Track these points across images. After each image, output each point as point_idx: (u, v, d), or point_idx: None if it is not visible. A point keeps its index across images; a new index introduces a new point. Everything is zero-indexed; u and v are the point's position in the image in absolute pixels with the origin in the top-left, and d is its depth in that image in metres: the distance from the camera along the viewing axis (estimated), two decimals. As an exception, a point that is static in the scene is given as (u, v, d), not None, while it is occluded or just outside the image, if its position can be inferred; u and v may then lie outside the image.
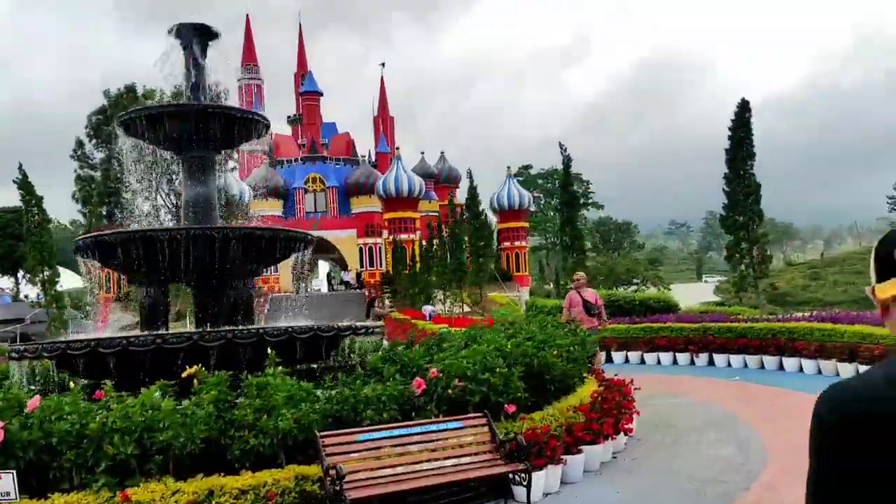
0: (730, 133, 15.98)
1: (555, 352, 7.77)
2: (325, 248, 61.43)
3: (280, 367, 6.89)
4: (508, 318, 15.77)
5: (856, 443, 1.22)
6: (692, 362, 15.72)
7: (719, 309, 22.46)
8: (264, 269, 10.54)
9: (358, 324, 9.57)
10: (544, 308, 29.66)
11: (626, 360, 16.93)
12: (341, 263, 63.08)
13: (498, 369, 6.83)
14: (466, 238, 27.26)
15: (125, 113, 9.39)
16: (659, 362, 16.28)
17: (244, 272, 9.58)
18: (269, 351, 8.30)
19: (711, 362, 15.44)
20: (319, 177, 61.14)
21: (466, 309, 37.97)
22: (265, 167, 61.05)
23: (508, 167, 64.22)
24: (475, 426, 6.31)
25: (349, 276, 56.41)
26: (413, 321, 31.13)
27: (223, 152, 10.46)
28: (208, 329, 8.46)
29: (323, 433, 5.74)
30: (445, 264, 27.43)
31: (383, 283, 53.84)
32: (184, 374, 6.92)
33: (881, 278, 1.36)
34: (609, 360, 17.22)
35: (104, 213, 49.98)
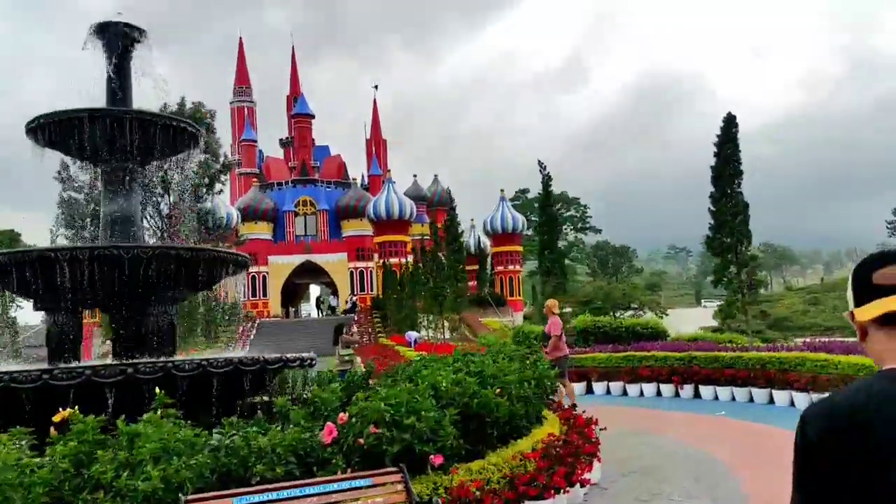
0: (715, 150, 15.07)
1: (497, 390, 6.71)
2: (315, 272, 60.48)
3: (171, 410, 5.85)
4: (482, 346, 14.73)
5: (836, 456, 1.25)
6: (677, 394, 14.62)
7: (711, 336, 21.38)
8: (191, 294, 9.50)
9: (290, 355, 8.53)
10: (531, 334, 28.58)
11: (608, 392, 15.84)
12: (333, 288, 62.04)
13: (424, 412, 5.78)
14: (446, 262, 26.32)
15: (32, 119, 8.43)
16: (642, 394, 15.17)
17: (165, 297, 8.55)
18: (178, 388, 7.33)
19: (697, 394, 14.34)
20: (310, 199, 60.35)
21: (451, 335, 36.87)
22: (255, 190, 60.32)
23: (502, 190, 63.49)
24: (388, 483, 5.25)
25: (336, 301, 55.40)
26: (396, 348, 30.08)
27: (148, 165, 9.50)
28: (104, 363, 7.44)
29: (191, 496, 4.68)
30: (426, 289, 26.44)
31: (373, 307, 52.73)
32: (55, 419, 5.88)
33: (859, 302, 1.40)
34: (590, 390, 16.16)
35: (86, 235, 48.89)
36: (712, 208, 15.11)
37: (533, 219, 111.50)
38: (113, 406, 6.94)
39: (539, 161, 19.17)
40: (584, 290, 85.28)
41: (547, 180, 19.28)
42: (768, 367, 13.28)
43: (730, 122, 14.97)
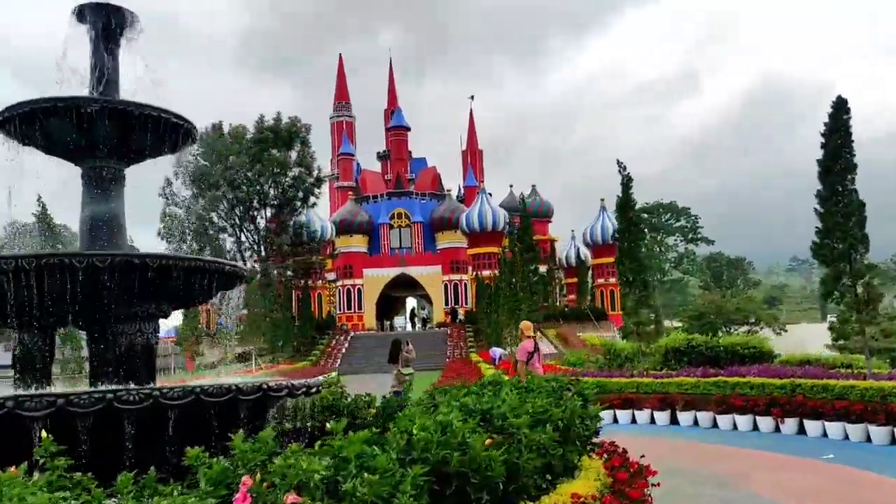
0: (823, 141, 12.81)
1: (487, 439, 5.08)
2: (411, 285, 59.87)
3: (61, 460, 4.59)
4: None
5: None
6: (777, 429, 12.35)
7: (825, 358, 18.68)
8: (173, 310, 8.34)
9: (272, 382, 7.19)
10: (622, 352, 26.37)
11: (696, 423, 13.70)
12: (428, 300, 61.26)
13: (367, 475, 4.26)
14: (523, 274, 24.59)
15: (1, 111, 7.53)
16: (735, 427, 12.98)
17: (134, 313, 7.43)
18: (124, 424, 6.17)
19: (802, 430, 12.04)
20: (405, 212, 59.85)
21: (547, 350, 34.91)
22: (350, 203, 60.44)
23: (602, 199, 60.95)
24: (298, 578, 3.76)
25: (428, 313, 54.51)
26: (480, 364, 28.59)
27: (133, 163, 8.45)
28: (28, 392, 6.33)
29: None
30: (507, 301, 24.80)
31: (466, 321, 51.42)
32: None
33: None
34: (675, 421, 14.09)
35: (184, 248, 50.04)
36: (819, 209, 12.84)
37: (643, 230, 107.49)
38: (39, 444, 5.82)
39: (618, 161, 17.33)
40: (695, 303, 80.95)
41: (627, 181, 17.34)
42: (890, 400, 10.89)
43: (839, 108, 12.70)
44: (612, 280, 59.73)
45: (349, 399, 11.36)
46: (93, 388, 6.48)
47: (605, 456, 7.67)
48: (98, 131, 7.61)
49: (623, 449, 7.98)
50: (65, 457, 4.58)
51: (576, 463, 6.72)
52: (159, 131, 8.04)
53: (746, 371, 14.16)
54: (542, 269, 61.69)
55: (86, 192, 8.05)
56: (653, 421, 14.27)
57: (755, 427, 12.71)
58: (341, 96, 74.73)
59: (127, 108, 7.58)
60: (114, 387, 6.51)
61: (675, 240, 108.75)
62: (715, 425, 13.32)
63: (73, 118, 7.44)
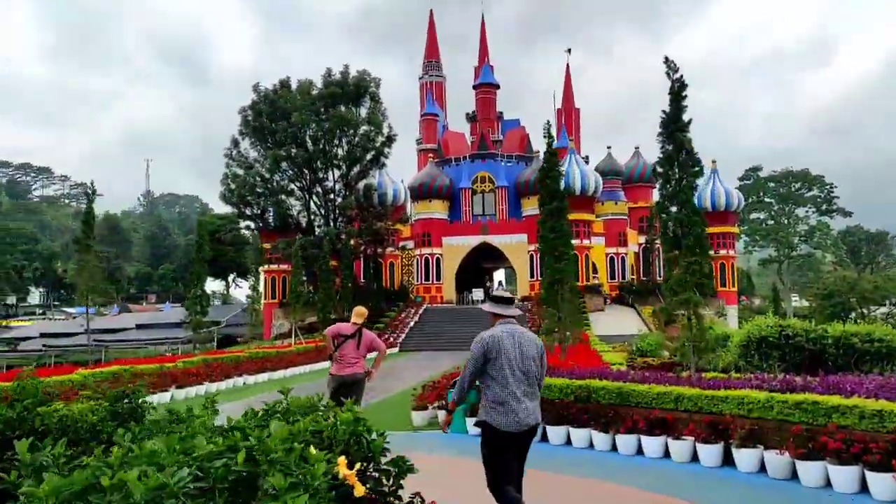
0: None
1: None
2: (495, 256, 55.05)
3: None
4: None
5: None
6: (905, 497, 6.92)
7: None
8: None
9: None
10: (720, 338, 20.65)
11: (762, 469, 8.33)
12: (514, 272, 56.27)
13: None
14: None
15: None
16: (828, 484, 7.57)
17: None
18: None
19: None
20: (488, 176, 54.79)
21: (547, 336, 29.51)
22: (431, 166, 56.04)
23: (714, 161, 53.52)
24: None
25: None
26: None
27: None
28: None
29: None
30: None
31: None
32: None
33: None
34: (729, 461, 8.74)
35: (247, 212, 47.29)
36: None
37: (767, 200, 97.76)
38: None
39: (665, 58, 12.01)
40: (825, 280, 71.58)
41: (679, 88, 11.93)
42: None
43: None
44: (724, 252, 52.62)
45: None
46: None
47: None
48: None
49: None
50: None
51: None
52: None
53: (857, 385, 8.60)
54: (640, 238, 55.32)
55: None
56: (695, 458, 9.01)
57: (864, 488, 7.26)
58: (431, 55, 70.19)
59: None
60: None
61: (807, 211, 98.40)
62: (794, 476, 7.92)
63: None
